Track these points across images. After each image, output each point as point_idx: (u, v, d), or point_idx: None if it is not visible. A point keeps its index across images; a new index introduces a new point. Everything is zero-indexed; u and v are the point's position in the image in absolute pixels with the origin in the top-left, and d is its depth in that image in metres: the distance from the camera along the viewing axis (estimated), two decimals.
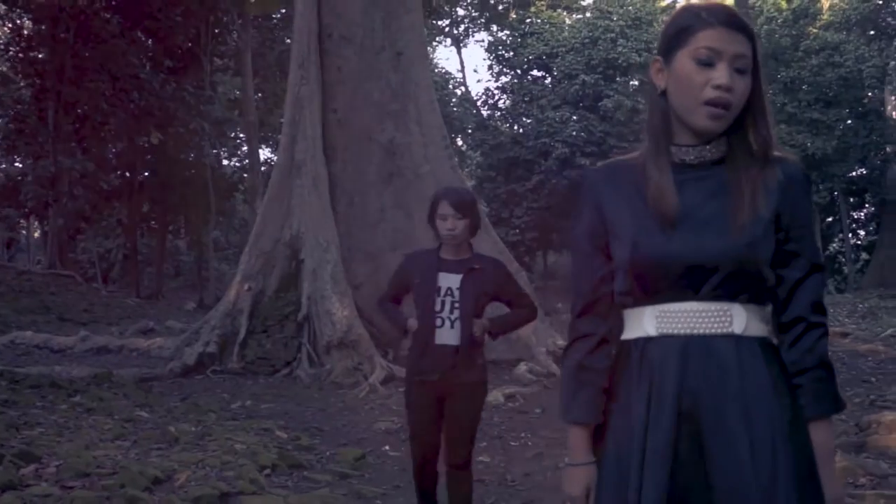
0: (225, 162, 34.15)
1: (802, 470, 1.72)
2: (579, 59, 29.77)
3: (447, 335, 3.92)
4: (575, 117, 29.54)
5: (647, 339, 1.79)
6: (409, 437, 4.21)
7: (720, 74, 1.74)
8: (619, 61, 29.68)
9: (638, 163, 1.87)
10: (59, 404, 7.05)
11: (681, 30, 1.80)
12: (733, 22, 1.77)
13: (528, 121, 32.09)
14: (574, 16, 37.01)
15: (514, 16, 36.10)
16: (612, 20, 30.77)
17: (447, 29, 39.17)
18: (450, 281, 3.96)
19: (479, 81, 77.06)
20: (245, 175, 30.30)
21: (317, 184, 11.79)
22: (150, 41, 27.27)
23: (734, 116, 1.79)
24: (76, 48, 24.97)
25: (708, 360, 1.73)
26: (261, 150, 30.44)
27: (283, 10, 25.65)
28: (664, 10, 35.42)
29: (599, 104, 28.66)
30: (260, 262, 11.89)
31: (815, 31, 30.61)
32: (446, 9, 36.12)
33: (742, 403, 1.70)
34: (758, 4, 31.78)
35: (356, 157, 12.16)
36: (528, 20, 34.17)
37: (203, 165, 27.71)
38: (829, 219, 34.21)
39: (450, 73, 38.47)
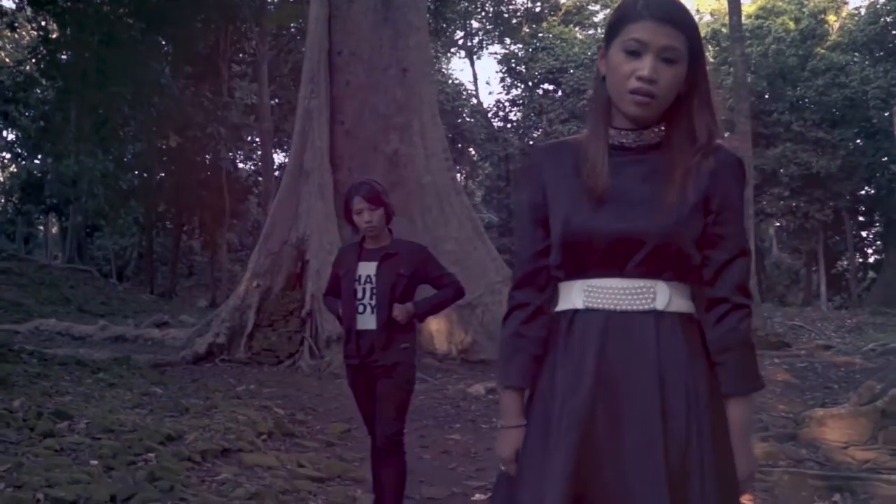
0: (240, 165, 34.77)
1: (716, 442, 1.79)
2: (588, 74, 30.41)
3: (367, 320, 4.08)
4: (584, 130, 30.13)
5: (575, 312, 1.87)
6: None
7: (643, 66, 1.81)
8: None
9: (580, 143, 1.94)
10: (84, 379, 7.96)
11: (617, 20, 1.88)
12: (664, 15, 1.83)
13: (537, 133, 32.83)
14: (585, 32, 37.68)
15: (527, 30, 36.79)
16: None
17: (461, 41, 39.88)
18: (368, 269, 4.14)
19: (490, 94, 77.45)
20: (259, 178, 30.91)
21: (323, 190, 12.59)
22: (170, 47, 28.04)
23: (663, 104, 1.86)
24: (100, 52, 25.81)
25: (627, 333, 1.81)
26: (275, 155, 31.10)
27: (301, 22, 26.38)
28: None
29: None
30: (268, 262, 12.66)
31: (822, 51, 30.95)
32: (460, 21, 36.86)
33: (657, 373, 1.77)
34: (766, 24, 32.16)
35: (361, 167, 12.89)
36: (539, 35, 34.85)
37: (219, 168, 28.42)
38: (836, 237, 34.46)
39: (462, 85, 39.18)
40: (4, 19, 27.69)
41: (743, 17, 33.74)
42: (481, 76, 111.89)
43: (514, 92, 34.99)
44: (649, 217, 1.80)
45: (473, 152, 37.90)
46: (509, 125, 35.89)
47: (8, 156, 32.97)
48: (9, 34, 31.31)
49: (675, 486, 1.72)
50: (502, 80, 35.31)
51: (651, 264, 1.81)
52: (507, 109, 35.77)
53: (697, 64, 1.88)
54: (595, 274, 1.85)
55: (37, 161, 30.47)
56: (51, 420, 5.45)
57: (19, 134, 31.03)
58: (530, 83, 34.18)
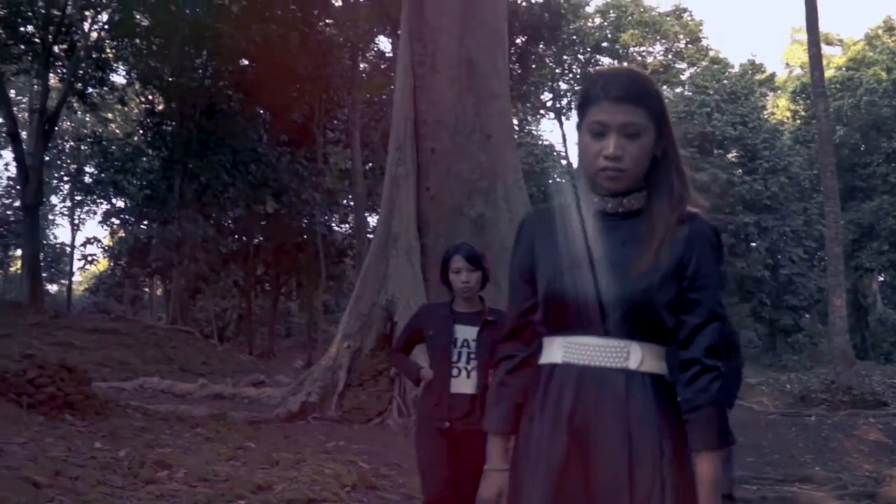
0: (335, 228, 35.60)
1: (679, 496, 1.88)
2: (675, 132, 30.45)
3: (463, 384, 4.11)
4: None
5: (554, 366, 1.99)
6: (421, 478, 4.27)
7: (608, 145, 1.93)
8: (715, 135, 30.28)
9: (567, 209, 2.07)
10: (184, 433, 8.51)
11: (581, 104, 2.01)
12: (620, 94, 1.93)
13: None
14: (674, 90, 37.83)
15: None
16: (707, 94, 31.40)
17: (549, 103, 40.41)
18: (467, 333, 4.14)
19: None
20: (354, 241, 31.55)
21: (410, 255, 12.97)
22: (267, 116, 29.21)
23: (633, 176, 1.97)
24: (201, 123, 27.09)
25: (601, 387, 1.92)
26: (369, 218, 31.86)
27: (389, 90, 27.17)
28: (762, 83, 35.91)
29: (695, 177, 29.25)
30: (359, 323, 13.04)
31: None
32: (548, 84, 37.42)
33: (626, 426, 1.89)
34: (857, 76, 31.84)
35: (447, 231, 13.12)
36: None
37: (314, 232, 29.24)
38: None
39: (552, 146, 39.59)
40: (115, 94, 29.45)
41: (833, 70, 33.71)
42: (570, 136, 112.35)
43: None
44: (624, 282, 1.92)
45: None
46: None
47: (117, 222, 34.47)
48: (119, 108, 33.14)
49: None
50: None
51: (626, 325, 1.92)
52: None
53: (663, 132, 2.00)
54: (575, 331, 1.97)
55: (143, 226, 31.78)
56: (152, 469, 5.96)
57: (127, 201, 32.53)
58: None
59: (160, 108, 29.56)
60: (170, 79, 27.26)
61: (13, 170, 34.67)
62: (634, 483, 1.86)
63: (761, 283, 30.02)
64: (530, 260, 2.10)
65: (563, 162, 38.70)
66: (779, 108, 36.63)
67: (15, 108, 30.16)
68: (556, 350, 2.00)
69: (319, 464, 7.36)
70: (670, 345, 2.00)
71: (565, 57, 37.71)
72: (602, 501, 1.87)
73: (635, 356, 1.94)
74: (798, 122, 34.21)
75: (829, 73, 31.67)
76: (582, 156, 2.03)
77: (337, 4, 28.71)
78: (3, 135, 31.49)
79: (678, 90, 36.54)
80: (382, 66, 30.49)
